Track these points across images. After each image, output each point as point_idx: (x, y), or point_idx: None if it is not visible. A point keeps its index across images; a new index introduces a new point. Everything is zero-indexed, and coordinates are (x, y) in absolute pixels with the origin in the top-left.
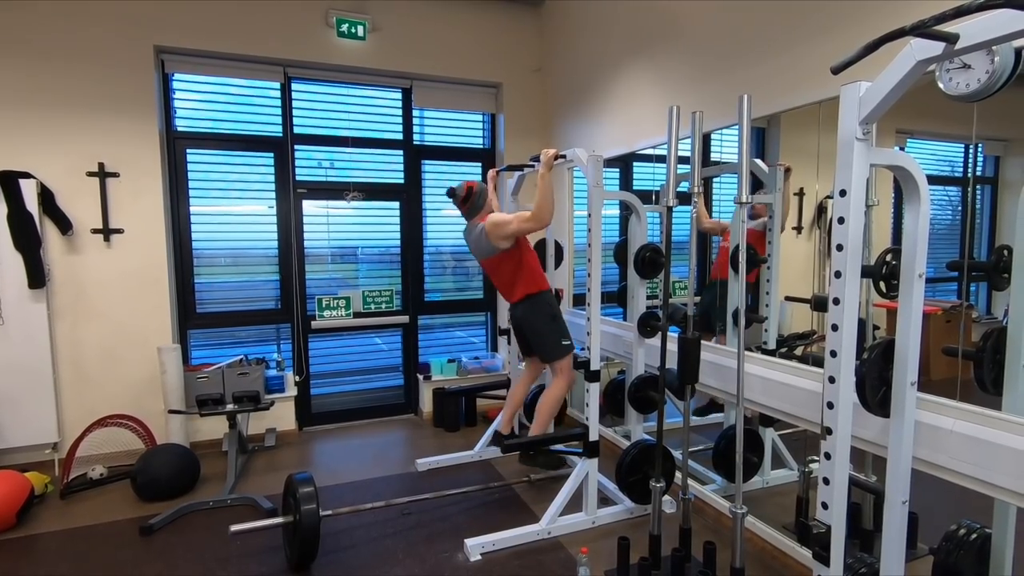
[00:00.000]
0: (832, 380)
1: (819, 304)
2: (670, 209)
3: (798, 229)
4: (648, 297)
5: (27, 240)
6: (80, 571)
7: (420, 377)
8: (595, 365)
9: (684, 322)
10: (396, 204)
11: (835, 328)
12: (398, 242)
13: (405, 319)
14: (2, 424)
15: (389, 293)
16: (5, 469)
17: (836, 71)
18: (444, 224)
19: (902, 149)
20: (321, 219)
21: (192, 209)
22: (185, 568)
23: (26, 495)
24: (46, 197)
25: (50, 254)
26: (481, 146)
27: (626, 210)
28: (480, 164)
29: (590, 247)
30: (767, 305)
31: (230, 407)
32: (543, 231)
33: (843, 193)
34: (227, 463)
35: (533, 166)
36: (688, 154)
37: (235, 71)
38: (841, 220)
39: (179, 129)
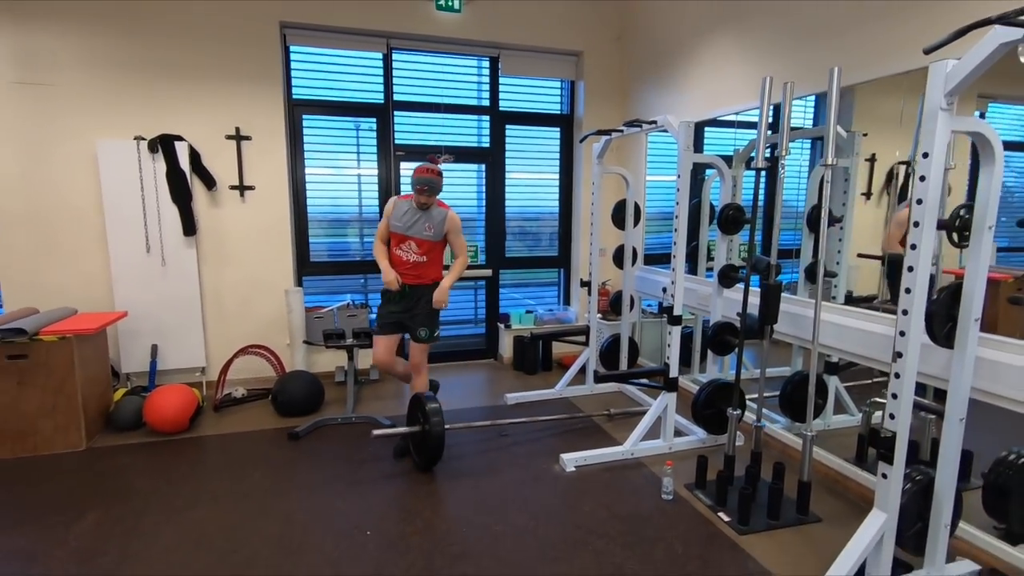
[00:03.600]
0: (905, 312)
1: (887, 261)
2: (759, 171)
3: (867, 195)
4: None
5: (181, 194)
6: (248, 462)
7: (501, 326)
8: (677, 311)
9: (767, 271)
10: (482, 166)
11: (911, 270)
12: (483, 202)
13: (488, 272)
14: (165, 350)
15: (474, 249)
16: (177, 384)
17: (928, 52)
18: (522, 186)
19: (983, 113)
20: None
21: (307, 169)
22: (331, 465)
23: (195, 406)
24: (194, 157)
25: (198, 207)
26: (559, 111)
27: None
28: (559, 129)
29: (678, 205)
30: (838, 263)
31: (350, 341)
32: (625, 192)
33: (925, 155)
34: (345, 389)
35: (622, 131)
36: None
37: (344, 43)
38: (922, 178)
39: (296, 97)
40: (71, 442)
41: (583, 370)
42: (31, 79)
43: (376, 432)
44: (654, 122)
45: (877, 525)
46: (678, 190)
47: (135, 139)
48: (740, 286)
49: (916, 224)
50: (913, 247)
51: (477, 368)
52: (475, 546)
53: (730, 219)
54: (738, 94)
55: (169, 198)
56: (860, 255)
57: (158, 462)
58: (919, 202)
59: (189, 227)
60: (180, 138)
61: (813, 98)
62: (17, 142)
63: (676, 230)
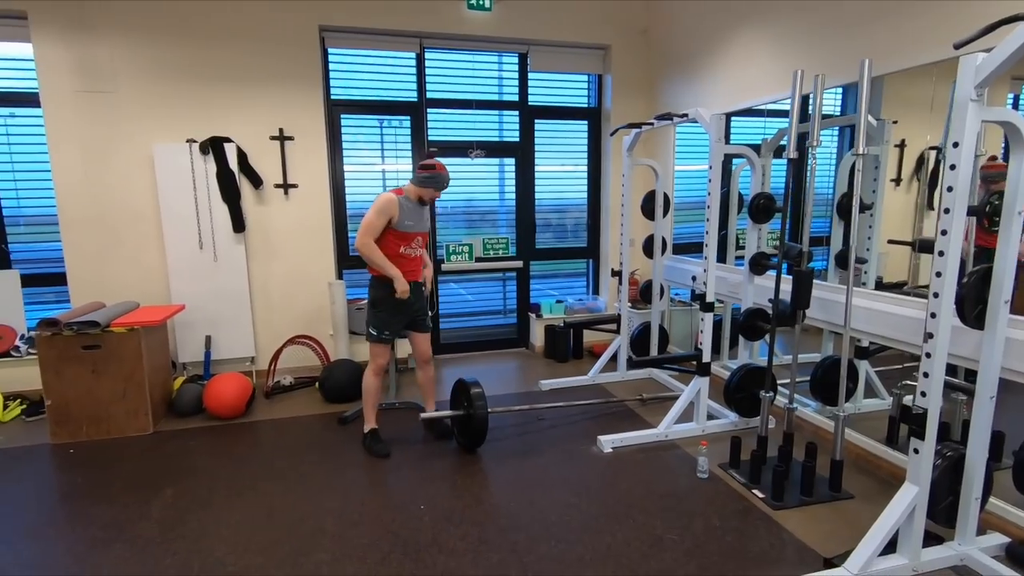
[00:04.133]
0: (936, 295)
1: (923, 247)
2: (792, 161)
3: (896, 180)
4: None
5: (231, 193)
6: (302, 443)
7: (532, 316)
8: (710, 298)
9: (799, 258)
10: (512, 160)
11: (941, 254)
12: (502, 194)
13: (519, 264)
14: (217, 340)
15: (505, 241)
16: (234, 373)
17: (958, 47)
18: (551, 178)
19: (1017, 96)
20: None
21: (345, 167)
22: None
23: (250, 392)
24: (242, 157)
25: (245, 205)
26: (586, 105)
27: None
28: (586, 122)
29: (709, 195)
30: (868, 250)
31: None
32: (654, 182)
33: (956, 145)
34: (387, 377)
35: (652, 124)
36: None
37: (379, 44)
38: (953, 167)
39: (334, 97)
40: (140, 426)
41: (614, 357)
42: (92, 87)
43: (423, 415)
44: (685, 115)
45: (909, 497)
46: (710, 180)
47: (187, 142)
48: (771, 273)
49: (947, 211)
50: (944, 233)
51: (509, 357)
52: (523, 518)
53: (761, 208)
54: (766, 85)
55: (219, 197)
56: (891, 241)
57: (220, 444)
58: (949, 189)
59: (238, 224)
60: (229, 140)
61: (839, 88)
62: (81, 148)
63: (708, 220)
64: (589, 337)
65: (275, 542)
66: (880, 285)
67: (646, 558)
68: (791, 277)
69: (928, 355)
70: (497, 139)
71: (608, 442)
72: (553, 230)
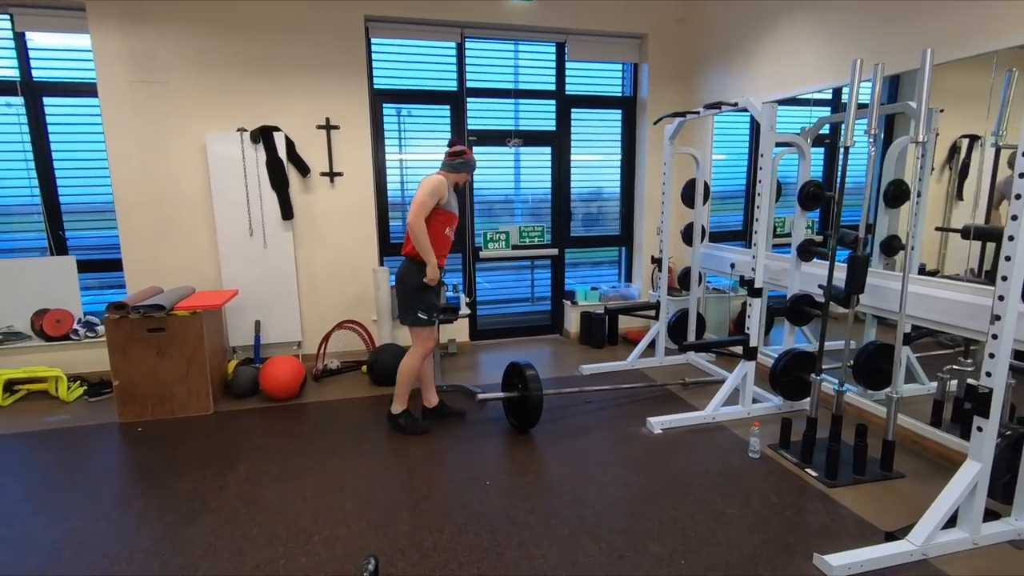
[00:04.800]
0: (1005, 279)
1: (978, 234)
2: (847, 149)
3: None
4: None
5: (279, 181)
6: (359, 423)
7: (567, 303)
8: (758, 284)
9: (855, 244)
10: (548, 149)
11: (1011, 239)
12: (549, 183)
13: (554, 252)
14: (266, 325)
15: (541, 229)
16: (287, 356)
17: None
18: (584, 167)
19: None
20: (490, 163)
21: (387, 155)
22: (433, 427)
23: (303, 375)
24: (290, 146)
25: (293, 193)
26: (620, 94)
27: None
28: (620, 111)
29: (761, 182)
30: (912, 236)
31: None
32: (692, 171)
33: None
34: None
35: (698, 113)
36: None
37: (422, 33)
38: (1021, 175)
39: (377, 87)
40: (201, 406)
41: (651, 343)
42: (147, 78)
43: (480, 396)
44: (736, 103)
45: (972, 474)
46: (761, 168)
47: (238, 131)
48: (817, 260)
49: (1018, 196)
50: (1014, 218)
51: (543, 343)
52: (586, 494)
53: (811, 195)
54: (807, 75)
55: (268, 185)
56: (938, 228)
57: (280, 424)
58: (1018, 196)
59: (287, 212)
60: (277, 129)
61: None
62: (136, 137)
63: (759, 207)
64: (624, 324)
65: (353, 514)
66: (922, 271)
67: (712, 531)
68: (838, 263)
69: (995, 336)
70: (535, 128)
71: (658, 423)
72: (585, 219)
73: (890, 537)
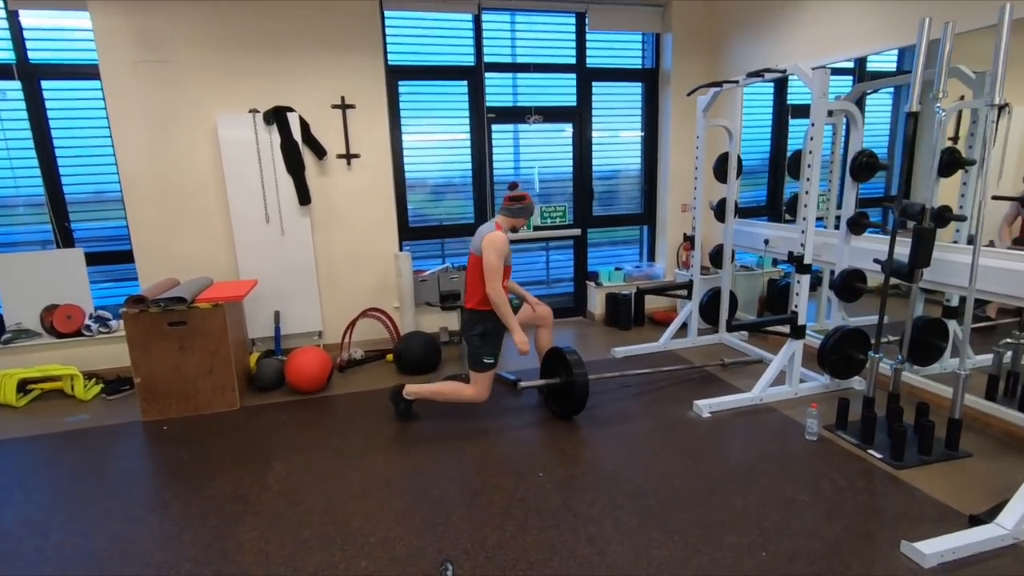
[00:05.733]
0: None
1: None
2: (912, 115)
3: (954, 139)
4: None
5: (295, 164)
6: (390, 415)
7: (591, 284)
8: (807, 260)
9: (921, 215)
10: (569, 125)
11: None
12: (570, 161)
13: (577, 232)
14: (286, 315)
15: (563, 209)
16: (312, 347)
17: None
18: (605, 143)
19: None
20: (507, 143)
21: (404, 136)
22: (473, 415)
23: (331, 367)
24: (304, 127)
25: (309, 176)
26: (641, 66)
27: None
28: (641, 84)
29: (811, 153)
30: (961, 207)
31: (463, 303)
32: (728, 140)
33: None
34: (453, 349)
35: (737, 82)
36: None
37: (437, 5)
38: None
39: (392, 63)
40: (228, 401)
41: (682, 324)
42: (152, 57)
43: (522, 384)
44: (784, 70)
45: None
46: (811, 139)
47: (250, 112)
48: (869, 234)
49: None
50: None
51: (568, 326)
52: (646, 483)
53: (864, 166)
54: (852, 39)
55: (284, 169)
56: (995, 197)
57: (311, 417)
58: None
59: (304, 196)
60: (291, 109)
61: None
62: (143, 120)
63: (808, 179)
64: (651, 304)
65: (406, 512)
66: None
67: (786, 519)
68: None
69: None
70: (555, 104)
71: (706, 407)
72: (607, 197)
73: (975, 521)
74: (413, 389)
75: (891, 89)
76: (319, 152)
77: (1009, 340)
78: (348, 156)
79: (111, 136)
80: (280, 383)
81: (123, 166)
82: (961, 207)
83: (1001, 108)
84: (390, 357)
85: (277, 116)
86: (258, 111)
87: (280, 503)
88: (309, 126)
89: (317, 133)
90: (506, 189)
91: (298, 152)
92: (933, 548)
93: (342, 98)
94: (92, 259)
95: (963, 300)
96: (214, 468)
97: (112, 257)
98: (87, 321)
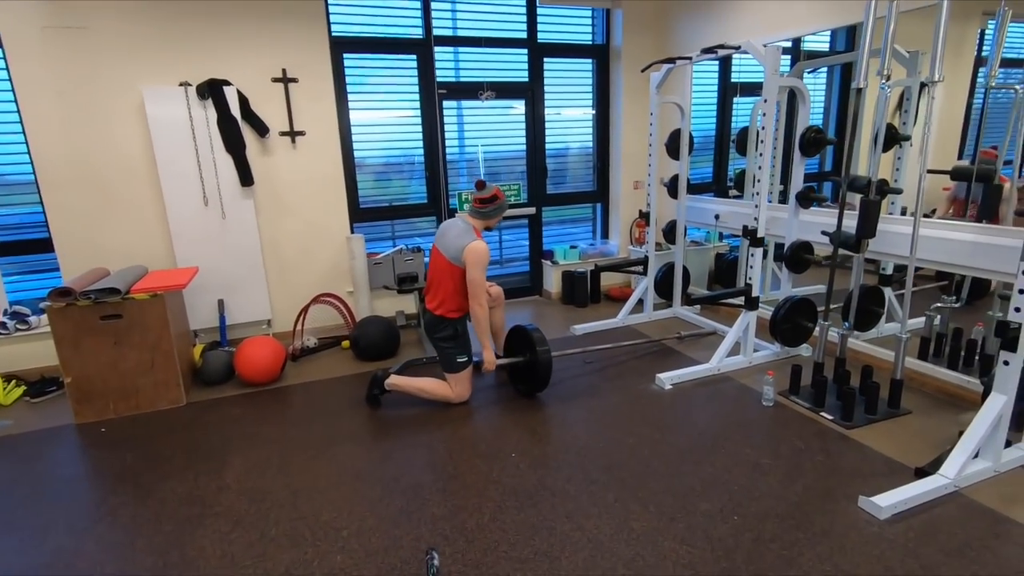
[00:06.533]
0: None
1: (956, 175)
2: (859, 91)
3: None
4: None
5: (234, 143)
6: (355, 403)
7: (547, 262)
8: (760, 233)
9: (867, 188)
10: (521, 102)
11: None
12: (523, 138)
13: (532, 210)
14: (231, 304)
15: (517, 187)
16: (263, 336)
17: None
18: (557, 120)
19: (983, 31)
20: (454, 120)
21: (351, 111)
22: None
23: (284, 356)
24: (243, 103)
25: (251, 156)
26: (591, 42)
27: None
28: (592, 60)
29: (764, 129)
30: (896, 181)
31: (421, 285)
32: (680, 121)
33: None
34: (411, 333)
35: (690, 59)
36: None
37: None
38: None
39: (335, 34)
40: (172, 398)
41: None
42: (65, 23)
43: (500, 361)
44: (738, 47)
45: (998, 406)
46: (764, 115)
47: (181, 85)
48: (815, 208)
49: None
50: None
51: (525, 305)
52: (618, 457)
53: (812, 141)
54: (801, 18)
55: (222, 148)
56: (930, 171)
57: (266, 410)
58: None
59: (246, 177)
60: (228, 83)
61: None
62: (57, 96)
63: (761, 155)
64: (606, 281)
65: (378, 501)
66: (904, 214)
67: (753, 482)
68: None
69: None
70: (506, 79)
71: (667, 379)
72: (559, 175)
73: (920, 472)
74: (396, 381)
75: (825, 69)
76: (261, 129)
77: (939, 304)
78: (292, 133)
79: (18, 113)
80: (229, 376)
81: (35, 147)
82: (896, 180)
83: (923, 86)
84: (346, 344)
85: (212, 90)
86: (190, 84)
87: (241, 502)
88: (248, 101)
89: (258, 109)
90: (473, 188)
91: (237, 129)
92: (888, 501)
93: (283, 71)
94: (1, 249)
95: (896, 268)
96: (164, 469)
97: (25, 247)
98: (1, 318)
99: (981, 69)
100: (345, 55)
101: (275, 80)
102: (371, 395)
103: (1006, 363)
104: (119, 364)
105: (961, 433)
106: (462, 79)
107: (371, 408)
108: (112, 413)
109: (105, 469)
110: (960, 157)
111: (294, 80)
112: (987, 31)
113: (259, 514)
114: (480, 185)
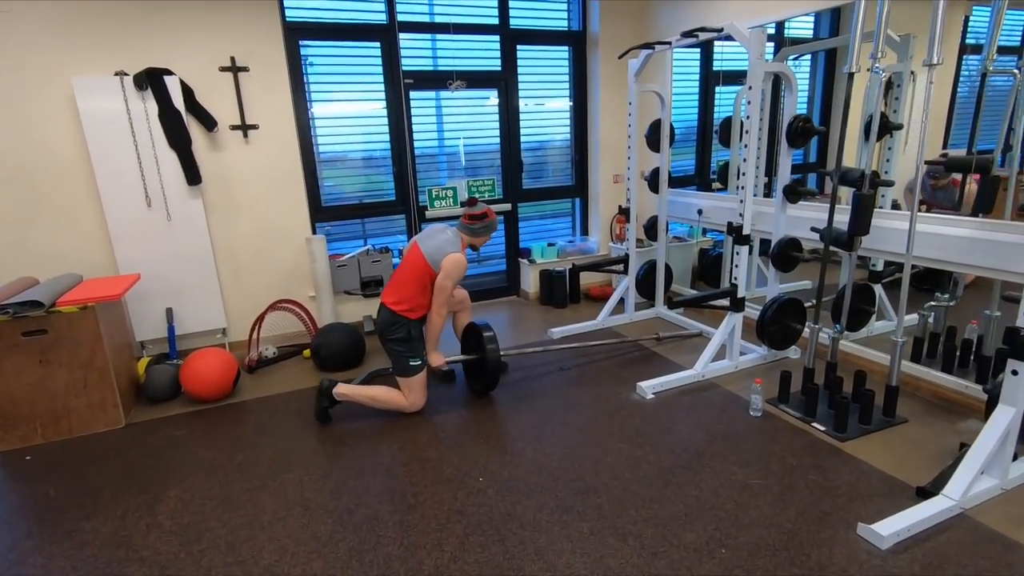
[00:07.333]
0: None
1: (951, 166)
2: (851, 76)
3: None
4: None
5: (179, 138)
6: (311, 422)
7: (524, 261)
8: (746, 230)
9: (860, 181)
10: (494, 92)
11: None
12: (497, 131)
13: (507, 207)
14: (180, 312)
15: (491, 183)
16: (212, 348)
17: None
18: (532, 111)
19: (968, 16)
20: (428, 111)
21: (312, 102)
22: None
23: (236, 369)
24: (187, 94)
25: (198, 152)
26: (567, 28)
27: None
28: (568, 47)
29: (748, 119)
30: (887, 172)
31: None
32: (660, 112)
33: None
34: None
35: (670, 43)
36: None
37: None
38: None
39: (291, 19)
40: (110, 419)
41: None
42: None
43: (450, 359)
44: (720, 30)
45: (1006, 420)
46: (749, 103)
47: (117, 74)
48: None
49: None
50: None
51: (501, 306)
52: (595, 479)
53: (800, 131)
54: (776, 4)
55: (166, 143)
56: (928, 162)
57: (214, 432)
58: None
59: (193, 175)
60: (169, 72)
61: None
62: None
63: (746, 146)
64: (586, 280)
65: (327, 540)
66: (895, 207)
67: (743, 507)
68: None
69: None
70: (478, 68)
71: (649, 388)
72: (536, 169)
73: (923, 492)
74: (345, 391)
75: (809, 56)
76: (208, 123)
77: (933, 303)
78: (244, 127)
79: None
80: (176, 392)
81: None
82: (887, 172)
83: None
84: (307, 353)
85: (151, 80)
86: (127, 74)
87: (172, 544)
88: (193, 92)
89: (204, 100)
90: (466, 206)
91: (182, 123)
92: (889, 528)
93: (232, 59)
94: None
95: (887, 264)
96: (90, 505)
97: None
98: None
99: (965, 57)
100: (301, 42)
101: (223, 69)
102: (320, 409)
103: (1015, 372)
104: (47, 384)
105: (962, 444)
106: (431, 68)
107: (322, 424)
108: (40, 438)
109: (22, 505)
110: (945, 147)
111: (244, 69)
112: (971, 18)
113: (190, 559)
114: (472, 202)
